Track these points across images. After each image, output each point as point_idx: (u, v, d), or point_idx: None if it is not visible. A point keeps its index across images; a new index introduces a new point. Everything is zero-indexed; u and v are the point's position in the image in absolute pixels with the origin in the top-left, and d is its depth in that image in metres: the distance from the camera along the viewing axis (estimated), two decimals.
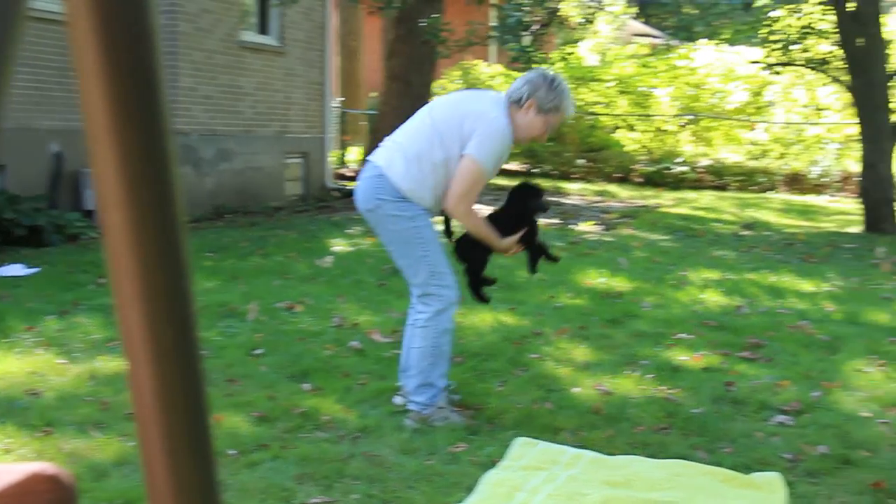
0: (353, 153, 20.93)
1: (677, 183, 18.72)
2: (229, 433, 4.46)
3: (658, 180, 18.87)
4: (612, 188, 18.20)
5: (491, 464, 4.19)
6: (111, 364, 5.54)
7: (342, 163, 19.48)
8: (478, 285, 5.16)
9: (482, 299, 5.24)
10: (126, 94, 0.72)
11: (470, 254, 5.03)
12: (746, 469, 4.19)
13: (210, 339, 6.19)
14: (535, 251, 5.16)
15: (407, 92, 16.71)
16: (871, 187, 12.64)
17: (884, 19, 13.29)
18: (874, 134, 12.53)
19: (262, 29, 14.43)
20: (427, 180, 4.64)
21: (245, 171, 13.72)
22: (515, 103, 4.74)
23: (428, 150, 4.64)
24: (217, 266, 8.86)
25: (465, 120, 4.63)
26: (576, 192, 17.69)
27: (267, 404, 4.91)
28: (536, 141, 4.94)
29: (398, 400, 4.94)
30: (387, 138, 4.92)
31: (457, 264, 5.05)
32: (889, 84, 12.72)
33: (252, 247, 10.13)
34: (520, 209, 5.11)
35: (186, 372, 0.80)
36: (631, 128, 20.48)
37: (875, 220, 12.56)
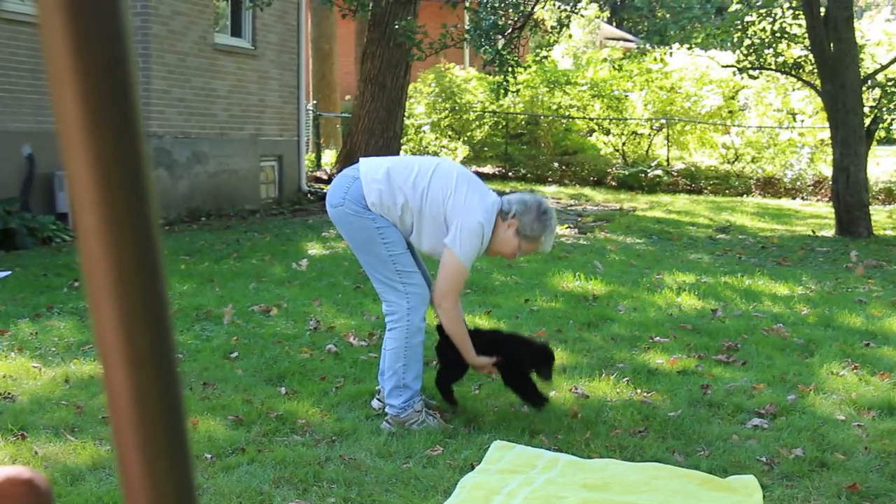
0: (328, 156, 20.91)
1: (652, 186, 18.81)
2: (205, 437, 4.43)
3: (633, 184, 18.95)
4: (588, 191, 18.26)
5: (468, 467, 4.18)
6: (85, 367, 5.49)
7: (317, 166, 19.45)
8: (448, 384, 5.02)
9: (449, 399, 4.99)
10: (98, 96, 0.70)
11: (454, 354, 4.85)
12: (722, 472, 4.19)
13: (185, 342, 6.15)
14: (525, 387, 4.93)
15: (381, 95, 16.70)
16: (843, 191, 12.73)
17: (855, 24, 13.38)
18: (847, 138, 12.62)
19: (235, 31, 14.38)
20: (394, 205, 4.61)
21: (219, 173, 13.66)
22: (501, 214, 4.72)
23: (411, 186, 4.61)
24: (192, 269, 8.81)
25: (456, 201, 4.57)
26: (551, 195, 17.72)
27: (243, 408, 4.88)
28: (503, 257, 4.94)
29: (375, 404, 4.92)
30: (392, 158, 4.94)
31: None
32: (862, 88, 12.82)
33: (227, 250, 10.08)
34: (527, 361, 4.89)
35: (162, 376, 0.78)
36: (606, 131, 20.57)
37: (848, 223, 12.65)
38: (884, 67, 13.83)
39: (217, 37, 13.65)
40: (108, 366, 0.76)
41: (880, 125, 13.46)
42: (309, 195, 15.65)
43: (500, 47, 13.93)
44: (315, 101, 21.87)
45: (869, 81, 13.22)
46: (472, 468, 4.16)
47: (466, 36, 14.24)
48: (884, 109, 13.09)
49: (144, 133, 0.73)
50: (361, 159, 4.85)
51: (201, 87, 13.23)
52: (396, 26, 14.63)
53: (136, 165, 0.73)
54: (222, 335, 6.38)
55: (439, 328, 4.89)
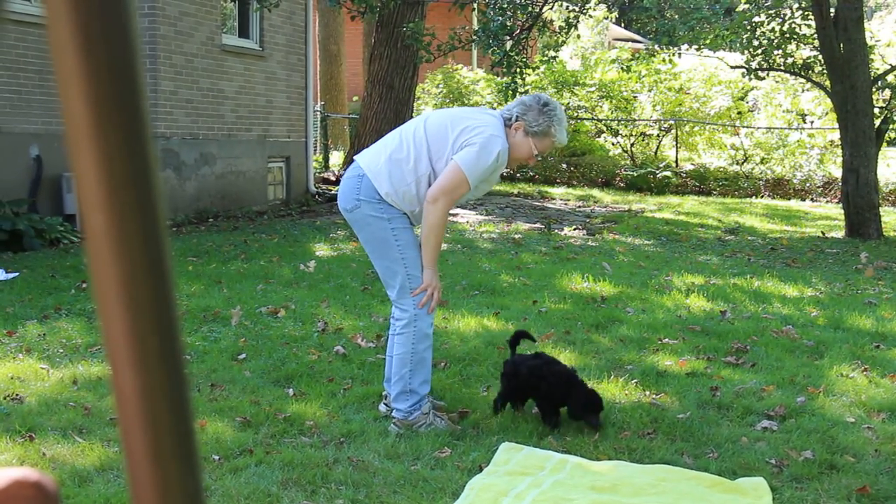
0: (336, 157, 20.92)
1: (661, 188, 18.77)
2: (213, 438, 4.43)
3: (641, 185, 18.91)
4: (596, 193, 18.23)
5: (476, 469, 4.17)
6: (93, 369, 5.50)
7: (325, 167, 19.46)
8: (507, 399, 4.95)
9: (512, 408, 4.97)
10: (106, 97, 0.70)
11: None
12: (732, 474, 4.18)
13: (193, 344, 6.16)
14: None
15: (389, 96, 16.71)
16: (853, 192, 12.69)
17: (865, 25, 13.34)
18: (856, 139, 12.58)
19: (243, 32, 14.38)
20: (409, 189, 4.60)
21: (227, 175, 13.67)
22: (505, 122, 4.71)
23: (415, 160, 4.60)
24: (199, 270, 8.82)
25: (462, 134, 4.57)
26: (559, 196, 17.71)
27: (251, 409, 4.87)
28: (524, 165, 4.86)
29: (383, 408, 4.91)
30: (378, 141, 4.89)
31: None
32: (872, 89, 12.78)
33: (235, 251, 10.09)
34: (577, 408, 4.75)
35: (170, 377, 0.77)
36: (614, 133, 20.54)
37: (858, 224, 12.61)
38: (894, 68, 13.78)
39: (225, 38, 13.66)
40: (116, 367, 0.75)
41: (890, 126, 13.40)
42: (317, 196, 15.66)
43: (508, 48, 13.91)
44: (323, 103, 21.87)
45: (879, 82, 13.17)
46: (481, 470, 4.15)
47: (474, 37, 14.22)
48: (894, 111, 13.04)
49: (152, 134, 0.72)
50: (357, 157, 4.83)
51: (209, 89, 13.24)
52: (404, 28, 14.62)
53: (144, 166, 0.72)
54: (230, 337, 6.38)
55: (512, 339, 4.99)
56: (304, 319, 6.92)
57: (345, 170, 16.36)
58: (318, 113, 20.14)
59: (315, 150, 18.69)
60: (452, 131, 4.59)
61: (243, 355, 5.92)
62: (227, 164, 13.68)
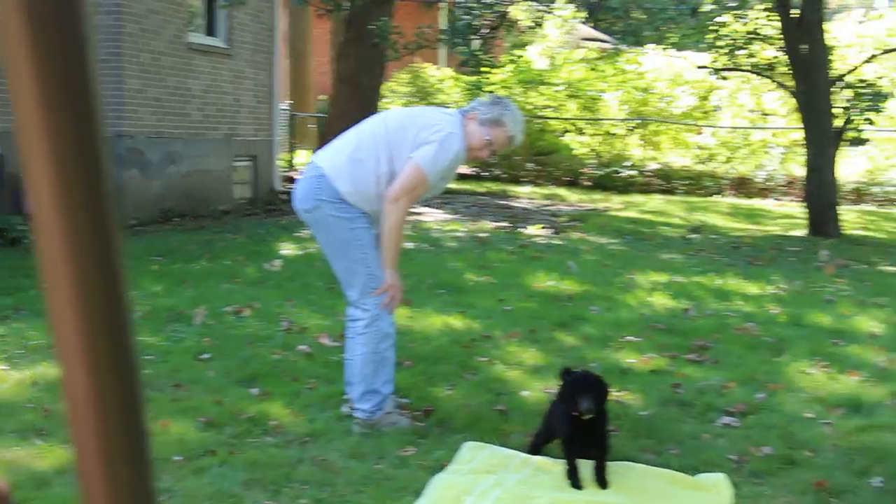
0: (303, 156, 20.85)
1: (626, 186, 18.87)
2: (176, 439, 4.41)
3: (607, 184, 19.01)
4: (562, 192, 18.29)
5: (440, 467, 4.18)
6: (53, 370, 5.45)
7: (291, 166, 19.40)
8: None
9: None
10: (58, 95, 0.70)
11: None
12: (693, 470, 4.22)
13: (156, 343, 6.12)
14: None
15: (356, 95, 16.67)
16: (815, 191, 12.84)
17: (826, 26, 13.49)
18: (818, 139, 12.73)
19: (210, 31, 14.30)
20: (369, 188, 4.60)
21: (193, 174, 13.59)
22: (463, 116, 4.74)
23: (374, 158, 4.60)
24: (164, 270, 8.77)
25: (421, 132, 4.59)
26: (525, 195, 17.76)
27: (214, 409, 4.86)
28: (480, 158, 4.87)
29: (346, 409, 4.90)
30: (335, 140, 4.89)
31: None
32: (832, 90, 12.93)
33: (200, 250, 10.04)
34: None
35: (122, 378, 0.78)
36: (580, 131, 20.61)
37: (819, 223, 12.75)
38: (854, 69, 13.94)
39: (192, 36, 13.58)
40: (67, 368, 0.76)
41: (850, 126, 13.56)
42: (283, 195, 15.59)
43: (475, 47, 13.94)
44: (290, 101, 21.80)
45: (839, 83, 13.32)
46: (444, 468, 4.17)
47: (441, 36, 14.24)
48: (854, 111, 13.19)
49: (106, 132, 0.73)
50: (314, 157, 4.83)
51: (175, 87, 13.16)
52: (372, 27, 14.61)
53: (97, 165, 0.73)
54: (194, 336, 6.35)
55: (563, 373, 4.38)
56: (269, 319, 6.90)
57: None
58: (286, 112, 20.06)
59: (282, 149, 18.61)
60: (411, 130, 4.60)
61: (207, 355, 5.90)
62: (194, 162, 13.60)
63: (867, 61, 14.37)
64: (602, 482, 4.01)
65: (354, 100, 16.62)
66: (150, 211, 12.57)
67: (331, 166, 4.66)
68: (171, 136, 13.15)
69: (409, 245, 10.57)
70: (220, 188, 14.28)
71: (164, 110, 12.93)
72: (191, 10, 13.70)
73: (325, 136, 16.39)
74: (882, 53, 15.46)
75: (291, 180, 17.43)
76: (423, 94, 21.55)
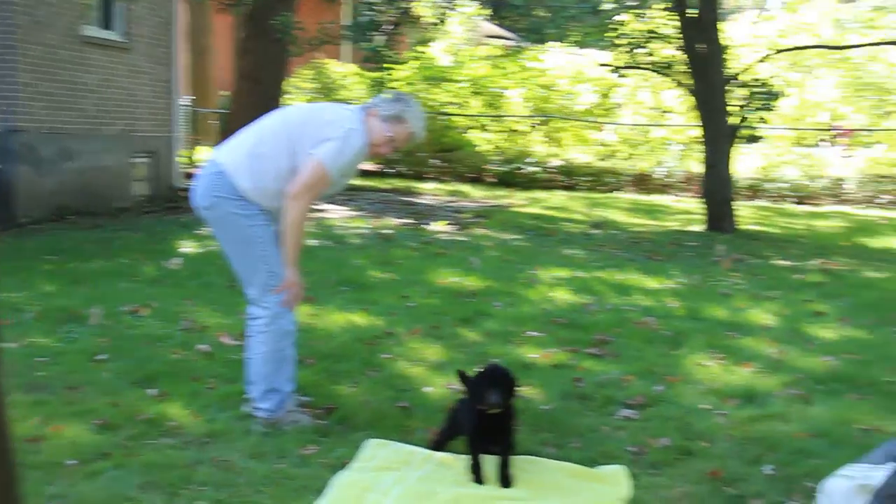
0: (204, 153, 20.53)
1: (529, 183, 19.03)
2: (69, 442, 4.30)
3: (510, 180, 19.15)
4: (465, 188, 18.37)
5: (342, 465, 4.16)
6: None
7: (192, 162, 19.07)
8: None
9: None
10: None
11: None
12: (593, 463, 4.28)
13: (49, 345, 5.97)
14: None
15: (258, 91, 16.51)
16: (712, 187, 13.13)
17: (722, 26, 13.80)
18: (714, 136, 13.02)
19: (106, 24, 13.95)
20: (269, 185, 4.55)
21: (89, 170, 13.26)
22: (364, 112, 4.71)
23: (275, 155, 4.55)
24: (58, 269, 8.55)
25: (322, 128, 4.55)
26: (429, 191, 17.78)
27: (110, 411, 4.75)
28: (381, 155, 4.85)
29: (246, 408, 4.84)
30: (234, 136, 4.81)
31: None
32: (727, 88, 13.23)
33: (96, 249, 9.81)
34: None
35: None
36: (483, 128, 20.72)
37: (716, 218, 13.05)
38: (748, 68, 14.28)
39: (86, 29, 13.24)
40: None
41: (745, 123, 13.90)
42: (183, 192, 15.33)
43: (378, 44, 13.90)
44: (191, 97, 21.43)
45: (735, 81, 13.64)
46: (346, 466, 4.14)
47: (345, 32, 14.16)
48: (748, 109, 13.52)
49: None
50: (213, 153, 4.76)
51: (70, 81, 12.82)
52: (274, 22, 14.45)
53: None
54: (89, 337, 6.20)
55: (461, 374, 4.37)
56: (168, 318, 6.78)
57: None
58: (186, 107, 19.73)
59: (182, 146, 18.29)
60: (312, 126, 4.56)
61: (103, 356, 5.76)
62: (90, 159, 13.28)
63: (761, 61, 14.74)
64: (506, 479, 4.03)
65: (256, 96, 16.44)
66: (44, 209, 12.22)
67: (231, 163, 4.59)
68: (66, 132, 12.82)
69: (312, 242, 10.49)
70: (118, 185, 13.96)
71: (58, 105, 12.59)
72: (85, 3, 13.36)
73: (227, 132, 16.15)
74: (774, 53, 15.87)
75: (192, 177, 17.17)
76: (326, 91, 21.41)
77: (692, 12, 12.97)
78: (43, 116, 12.34)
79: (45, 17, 12.24)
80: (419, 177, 19.53)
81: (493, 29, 35.40)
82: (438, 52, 22.53)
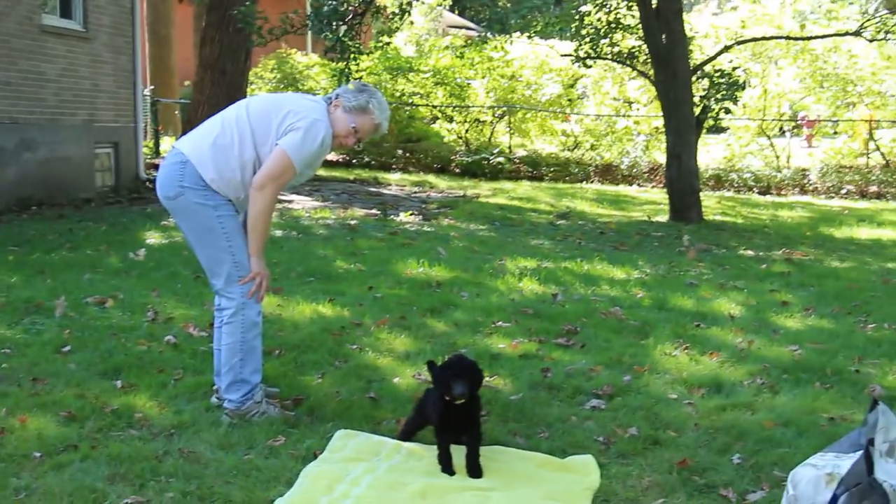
0: (167, 143, 20.36)
1: (495, 173, 19.06)
2: (34, 435, 4.25)
3: (476, 170, 19.17)
4: (431, 178, 18.37)
5: (311, 456, 4.14)
6: None
7: (156, 153, 18.92)
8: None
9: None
10: None
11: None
12: (562, 453, 4.29)
13: (13, 337, 5.89)
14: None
15: (221, 81, 16.39)
16: (676, 178, 13.20)
17: (685, 17, 13.87)
18: (678, 126, 13.09)
19: (65, 13, 13.77)
20: (234, 175, 4.51)
21: (50, 161, 13.10)
22: (329, 103, 4.69)
23: (239, 145, 4.51)
24: (21, 260, 8.44)
25: (286, 118, 4.51)
26: (395, 182, 17.76)
27: (76, 403, 4.70)
28: (345, 146, 4.82)
29: (214, 401, 4.80)
30: (197, 126, 4.77)
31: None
32: (691, 79, 13.30)
33: (60, 240, 9.70)
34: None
35: None
36: (449, 119, 20.72)
37: (681, 208, 13.13)
38: (711, 59, 14.38)
39: (45, 17, 13.06)
40: None
41: (709, 114, 14.00)
42: (147, 183, 15.19)
43: (341, 34, 13.83)
44: (153, 87, 21.25)
45: (698, 72, 13.72)
46: (315, 457, 4.13)
47: (307, 22, 14.07)
48: (712, 99, 13.62)
49: None
50: (175, 144, 4.71)
51: (29, 71, 12.65)
52: (235, 11, 14.33)
53: None
54: (54, 328, 6.13)
55: (429, 364, 4.38)
56: (134, 309, 6.71)
57: None
58: (148, 97, 19.55)
59: (145, 136, 18.13)
60: (276, 116, 4.53)
61: (68, 347, 5.70)
62: (51, 149, 13.12)
63: (723, 51, 14.84)
64: (475, 470, 4.03)
65: (220, 86, 16.32)
66: (6, 199, 12.07)
67: (195, 153, 4.55)
68: (26, 122, 12.66)
69: (278, 233, 10.44)
70: (81, 176, 13.81)
71: (16, 95, 12.43)
72: None
73: (190, 122, 16.05)
74: (736, 44, 15.99)
75: (156, 167, 17.01)
76: (290, 81, 21.32)
77: (653, 2, 13.01)
78: (1, 107, 12.17)
79: (2, 6, 12.06)
80: (385, 167, 19.50)
81: (456, 19, 35.39)
82: (402, 43, 22.49)
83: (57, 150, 13.24)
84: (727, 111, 14.21)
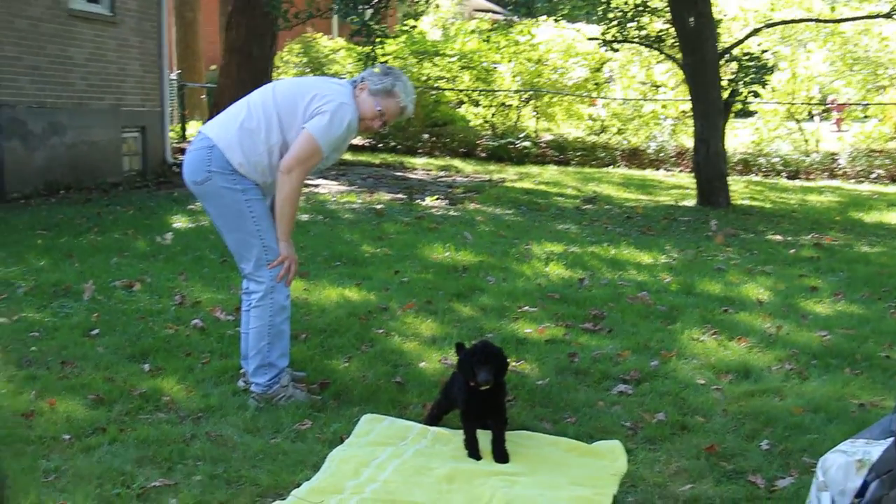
0: (194, 127, 20.43)
1: (521, 157, 19.00)
2: (63, 417, 4.28)
3: (502, 155, 19.11)
4: (457, 163, 18.32)
5: (338, 440, 4.15)
6: None
7: (182, 137, 18.98)
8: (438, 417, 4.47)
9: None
10: None
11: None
12: (589, 438, 4.27)
13: (42, 320, 5.93)
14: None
15: (247, 65, 16.40)
16: (704, 162, 13.09)
17: None
18: (706, 110, 12.97)
19: None
20: (262, 159, 4.51)
21: (78, 145, 13.18)
22: (354, 86, 4.68)
23: (266, 129, 4.51)
24: (50, 244, 8.49)
25: (312, 102, 4.51)
26: (421, 166, 17.73)
27: (104, 386, 4.73)
28: (371, 130, 4.80)
29: (241, 384, 4.82)
30: (224, 111, 4.77)
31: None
32: (719, 62, 13.18)
33: (87, 224, 9.76)
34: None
35: None
36: (475, 103, 20.65)
37: (708, 193, 13.03)
38: (739, 42, 14.24)
39: (73, 2, 13.11)
40: None
41: (737, 98, 13.87)
42: (174, 167, 15.26)
43: (367, 17, 13.80)
44: (179, 71, 21.30)
45: (726, 56, 13.59)
46: (342, 441, 4.13)
47: (333, 6, 14.05)
48: (740, 83, 13.49)
49: None
50: (202, 128, 4.71)
51: (56, 55, 12.71)
52: None
53: None
54: (82, 312, 6.17)
55: (458, 346, 4.40)
56: (161, 293, 6.75)
57: None
58: (175, 82, 19.61)
59: (172, 120, 18.19)
60: (302, 100, 4.52)
61: (96, 331, 5.73)
62: (79, 133, 13.18)
63: (751, 34, 14.69)
64: (501, 455, 4.02)
65: (246, 70, 16.33)
66: (34, 183, 12.15)
67: (222, 137, 4.55)
68: (54, 106, 12.72)
69: (305, 217, 10.45)
70: (108, 160, 13.88)
71: (45, 79, 12.49)
72: None
73: (217, 106, 16.07)
74: (765, 27, 15.83)
75: (183, 152, 17.07)
76: (316, 65, 21.31)
77: None
78: (30, 91, 12.24)
79: None
80: (411, 151, 19.48)
81: (482, 3, 35.26)
82: (428, 27, 22.43)
83: (84, 134, 13.31)
84: (755, 95, 14.05)
